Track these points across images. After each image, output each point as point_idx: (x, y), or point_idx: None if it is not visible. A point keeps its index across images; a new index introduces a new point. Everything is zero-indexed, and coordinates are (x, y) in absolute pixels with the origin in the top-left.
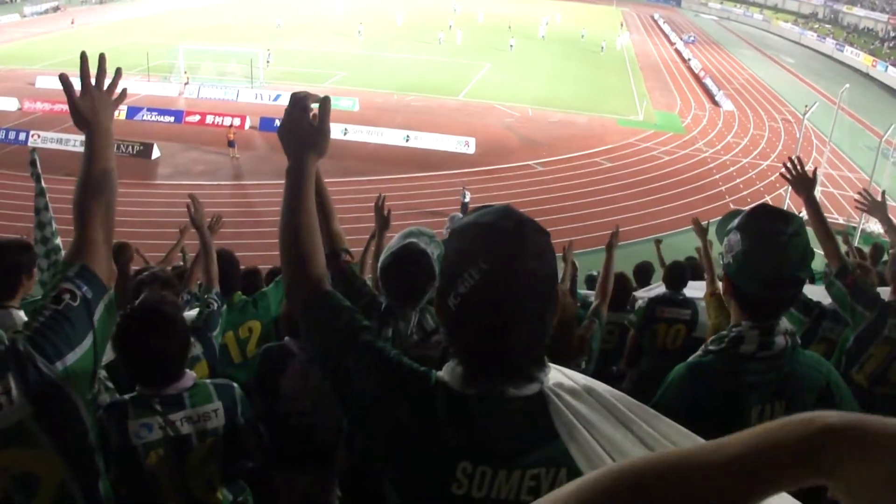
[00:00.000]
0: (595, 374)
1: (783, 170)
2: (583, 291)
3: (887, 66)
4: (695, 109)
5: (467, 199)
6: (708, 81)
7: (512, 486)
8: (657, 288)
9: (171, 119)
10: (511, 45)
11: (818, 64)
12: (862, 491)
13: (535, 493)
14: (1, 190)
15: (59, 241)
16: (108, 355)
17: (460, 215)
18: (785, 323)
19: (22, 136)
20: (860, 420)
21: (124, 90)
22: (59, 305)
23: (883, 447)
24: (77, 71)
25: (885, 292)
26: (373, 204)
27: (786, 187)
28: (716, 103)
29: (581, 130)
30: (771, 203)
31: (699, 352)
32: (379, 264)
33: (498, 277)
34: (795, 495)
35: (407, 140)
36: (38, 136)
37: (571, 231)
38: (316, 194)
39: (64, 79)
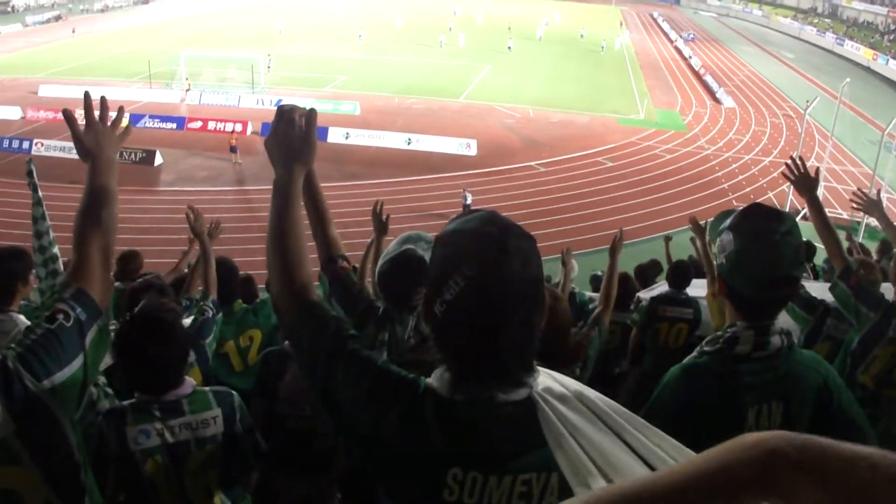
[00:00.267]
0: (597, 376)
1: (785, 170)
2: (587, 293)
3: (888, 60)
4: (696, 107)
5: (469, 202)
6: (708, 79)
7: (503, 492)
8: (659, 287)
9: (174, 126)
10: (509, 47)
11: (818, 59)
12: None
13: (527, 498)
14: (5, 199)
15: (56, 249)
16: (106, 360)
17: None
18: (781, 322)
19: (25, 144)
20: (816, 444)
21: (129, 126)
22: (53, 325)
23: (840, 472)
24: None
25: (887, 290)
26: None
27: (788, 184)
28: (717, 100)
29: (582, 130)
30: (774, 200)
31: (694, 353)
32: (377, 270)
33: (483, 284)
34: None
35: (408, 143)
36: (42, 145)
37: (574, 231)
38: (312, 200)
39: (67, 114)
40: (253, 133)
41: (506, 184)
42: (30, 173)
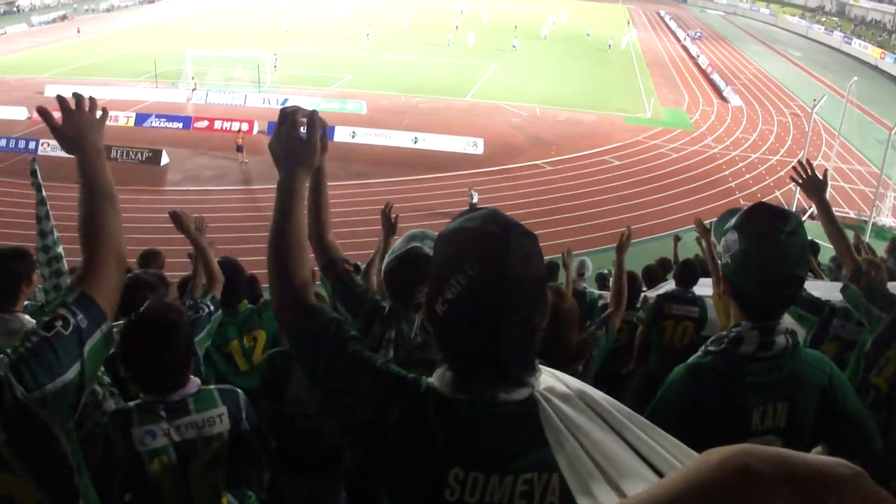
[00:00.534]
0: (605, 375)
1: (793, 173)
2: (597, 292)
3: None
4: (703, 105)
5: (475, 200)
6: (715, 77)
7: (505, 491)
8: (667, 285)
9: (180, 125)
10: (514, 46)
11: (826, 57)
12: None
13: (528, 497)
14: (12, 199)
15: (61, 249)
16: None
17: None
18: (785, 322)
19: (31, 144)
20: (782, 456)
21: (105, 109)
22: (49, 332)
23: (809, 482)
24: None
25: (895, 288)
26: (381, 206)
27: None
28: (724, 99)
29: (589, 129)
30: (781, 199)
31: (699, 353)
32: (383, 267)
33: (485, 283)
34: None
35: (415, 142)
36: (48, 145)
37: (581, 230)
38: (315, 204)
39: (42, 110)
40: (259, 132)
41: (512, 182)
42: (33, 173)
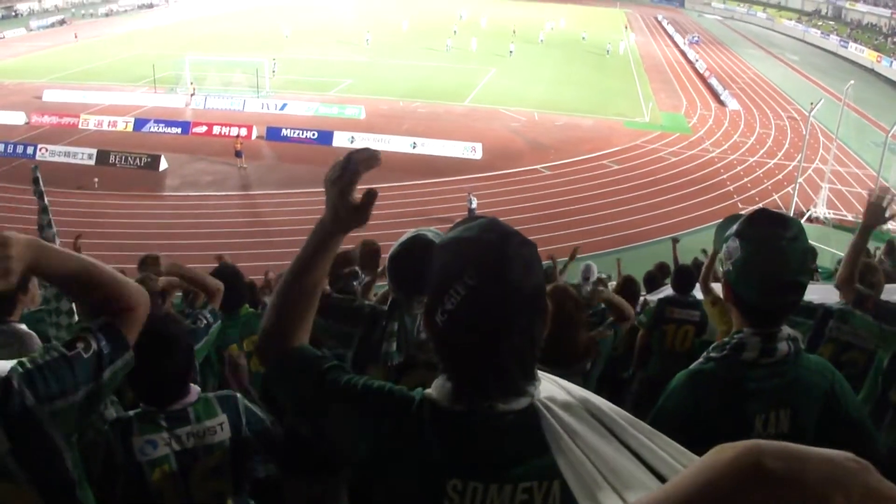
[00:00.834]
0: (604, 379)
1: (871, 194)
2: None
3: (892, 62)
4: (700, 109)
5: (474, 205)
6: (713, 81)
7: (504, 500)
8: (665, 290)
9: (178, 130)
10: (511, 51)
11: (823, 61)
12: None
13: None
14: (10, 204)
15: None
16: None
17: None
18: (788, 328)
19: (30, 149)
20: (793, 451)
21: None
22: (70, 352)
23: (822, 476)
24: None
25: (893, 291)
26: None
27: (793, 185)
28: (721, 103)
29: (587, 133)
30: (779, 202)
31: (700, 359)
32: (388, 256)
33: (484, 292)
34: None
35: (413, 147)
36: (46, 150)
37: (580, 234)
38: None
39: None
40: (258, 137)
41: (511, 187)
42: (35, 180)
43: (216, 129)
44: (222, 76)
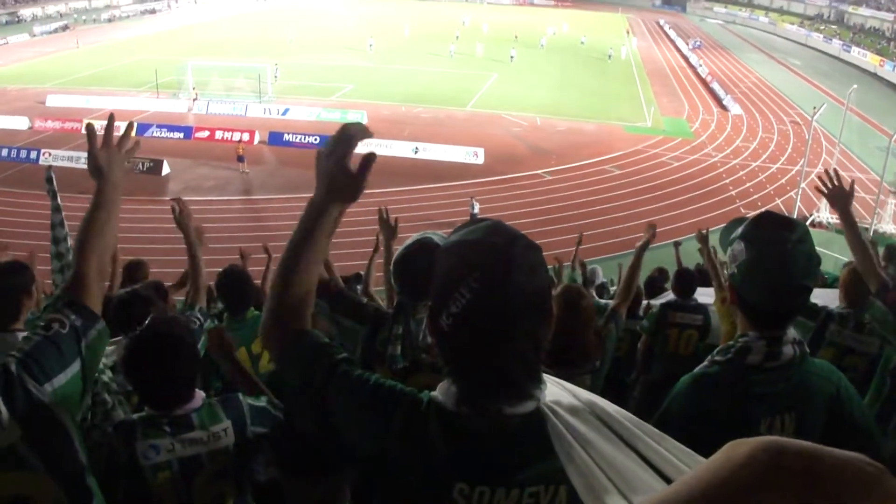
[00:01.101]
0: (607, 383)
1: (818, 183)
2: (602, 301)
3: (895, 66)
4: (703, 114)
5: (476, 210)
6: (715, 86)
7: None
8: (668, 295)
9: (181, 135)
10: (512, 57)
11: (825, 65)
12: None
13: None
14: (14, 208)
15: (73, 256)
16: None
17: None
18: (793, 332)
19: (33, 154)
20: (809, 450)
21: (138, 141)
22: (49, 332)
23: (838, 482)
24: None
25: None
26: (376, 217)
27: (796, 190)
28: (724, 107)
29: (589, 138)
30: (782, 206)
31: (705, 363)
32: (393, 259)
33: (490, 295)
34: None
35: (416, 152)
36: (50, 155)
37: (582, 239)
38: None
39: (90, 128)
40: (260, 142)
41: (513, 192)
42: (49, 180)
43: (218, 134)
44: (225, 81)
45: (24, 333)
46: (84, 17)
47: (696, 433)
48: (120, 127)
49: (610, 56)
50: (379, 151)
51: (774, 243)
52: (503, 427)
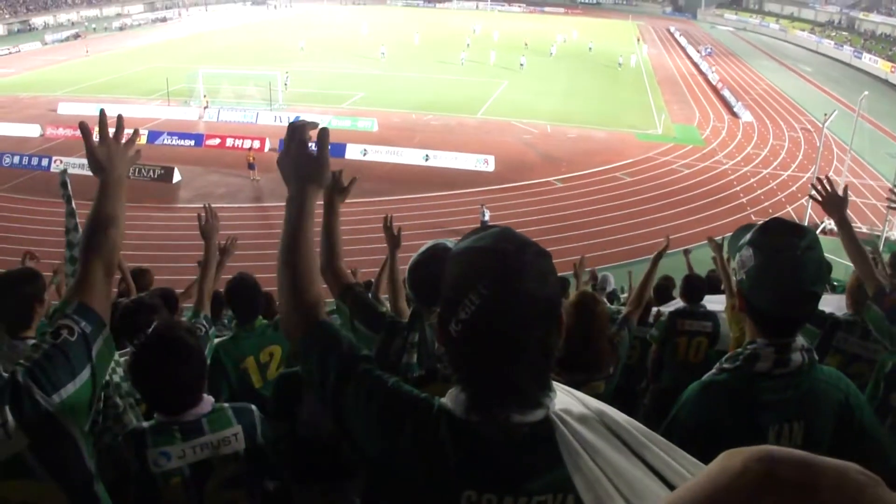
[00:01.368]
0: (618, 391)
1: (812, 191)
2: (613, 307)
3: None
4: (713, 121)
5: (486, 218)
6: (726, 93)
7: None
8: (676, 303)
9: (192, 143)
10: (522, 64)
11: (836, 72)
12: None
13: None
14: (25, 215)
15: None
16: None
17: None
18: (802, 339)
19: (45, 161)
20: (805, 459)
21: (139, 150)
22: (57, 340)
23: (835, 486)
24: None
25: None
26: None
27: (807, 198)
28: (734, 114)
29: (600, 145)
30: (793, 214)
31: (713, 370)
32: (407, 267)
33: (499, 302)
34: None
35: (426, 159)
36: (61, 162)
37: (593, 247)
38: (328, 233)
39: (84, 127)
40: (271, 150)
41: (524, 199)
42: (64, 184)
43: (229, 142)
44: (235, 89)
45: (34, 342)
46: (94, 26)
47: (705, 441)
48: (113, 120)
49: (620, 64)
50: (389, 159)
51: (783, 250)
52: (512, 435)
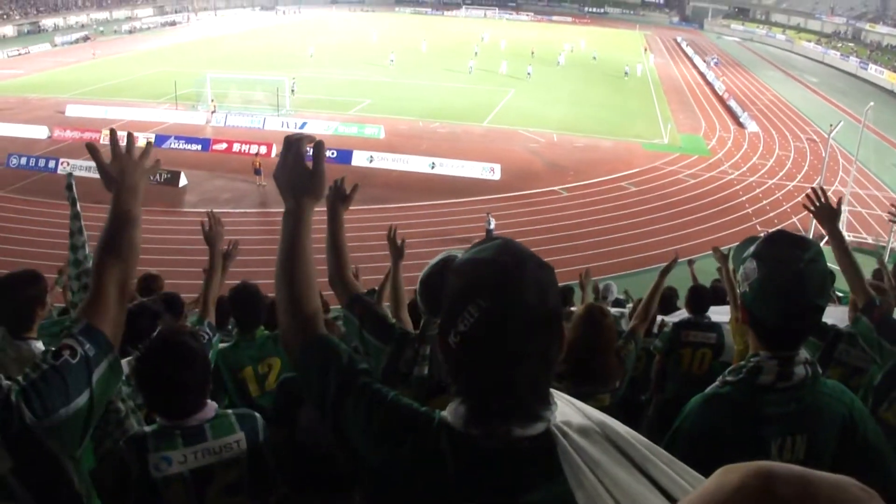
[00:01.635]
0: (623, 402)
1: (805, 201)
2: (618, 310)
3: None
4: (720, 131)
5: (492, 226)
6: (732, 103)
7: None
8: (681, 313)
9: (199, 147)
10: (529, 73)
11: (842, 83)
12: None
13: None
14: (32, 217)
15: (91, 263)
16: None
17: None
18: (805, 352)
19: (52, 163)
20: (799, 475)
21: (158, 160)
22: (57, 361)
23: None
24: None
25: None
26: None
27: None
28: (740, 125)
29: (606, 155)
30: (798, 225)
31: (717, 383)
32: (419, 279)
33: (498, 315)
34: None
35: (432, 167)
36: (68, 164)
37: (598, 256)
38: (334, 244)
39: (91, 146)
40: (277, 156)
41: (529, 208)
42: (69, 186)
43: (236, 147)
44: (243, 94)
45: (38, 342)
46: (102, 28)
47: (707, 453)
48: (123, 138)
49: (626, 73)
50: (396, 166)
51: (787, 262)
52: (512, 448)
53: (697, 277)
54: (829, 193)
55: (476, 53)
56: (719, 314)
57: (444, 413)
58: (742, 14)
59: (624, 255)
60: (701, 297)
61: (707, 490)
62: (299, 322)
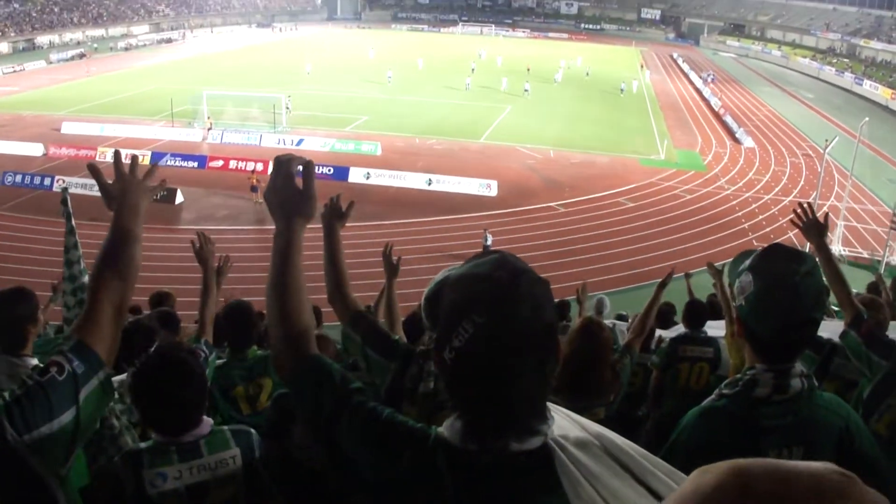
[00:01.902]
0: (620, 418)
1: (794, 217)
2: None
3: None
4: (716, 147)
5: (489, 242)
6: (728, 119)
7: None
8: (678, 328)
9: (195, 164)
10: (526, 90)
11: (837, 98)
12: None
13: None
14: (27, 235)
15: (87, 278)
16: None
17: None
18: (801, 365)
19: (47, 181)
20: (773, 468)
21: (163, 181)
22: (43, 378)
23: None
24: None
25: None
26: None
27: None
28: (736, 140)
29: (603, 171)
30: (794, 240)
31: (713, 396)
32: (423, 295)
33: (493, 330)
34: None
35: (429, 183)
36: (63, 181)
37: (595, 272)
38: (332, 262)
39: (93, 167)
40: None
41: (526, 224)
42: (64, 201)
43: (232, 164)
44: (239, 111)
45: (32, 359)
46: (98, 46)
47: (704, 464)
48: (126, 154)
49: (622, 90)
50: (393, 183)
51: (783, 276)
52: (509, 463)
53: (694, 292)
54: (815, 209)
55: (473, 70)
56: (716, 328)
57: (441, 429)
58: (738, 30)
59: (621, 271)
60: (698, 312)
61: (685, 492)
62: (290, 341)
